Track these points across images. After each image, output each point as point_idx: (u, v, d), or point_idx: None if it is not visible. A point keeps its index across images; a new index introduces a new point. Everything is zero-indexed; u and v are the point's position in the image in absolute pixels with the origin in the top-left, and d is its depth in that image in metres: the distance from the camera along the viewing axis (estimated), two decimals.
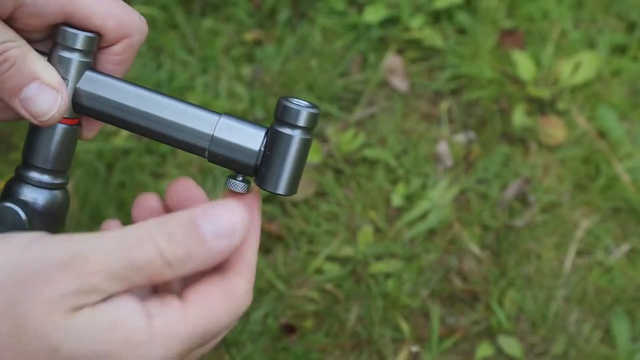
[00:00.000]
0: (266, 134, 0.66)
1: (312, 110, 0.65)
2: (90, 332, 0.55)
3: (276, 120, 0.66)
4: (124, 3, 0.66)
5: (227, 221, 0.58)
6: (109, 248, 0.55)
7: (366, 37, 1.60)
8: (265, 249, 1.40)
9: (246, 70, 1.56)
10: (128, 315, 0.56)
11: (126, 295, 0.57)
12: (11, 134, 1.46)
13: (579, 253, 1.42)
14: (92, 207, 1.40)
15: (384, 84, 1.57)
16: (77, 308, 0.55)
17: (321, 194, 1.45)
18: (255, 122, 0.67)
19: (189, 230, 0.57)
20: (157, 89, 1.52)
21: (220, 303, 0.60)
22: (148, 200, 0.69)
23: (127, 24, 0.66)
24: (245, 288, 0.61)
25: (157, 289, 0.67)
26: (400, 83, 1.56)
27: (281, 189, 0.66)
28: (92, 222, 1.40)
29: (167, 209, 0.68)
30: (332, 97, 1.54)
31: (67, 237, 0.56)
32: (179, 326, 0.57)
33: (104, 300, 0.56)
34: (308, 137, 0.66)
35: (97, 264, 0.55)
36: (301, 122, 0.65)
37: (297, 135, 0.65)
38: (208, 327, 0.59)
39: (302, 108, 0.65)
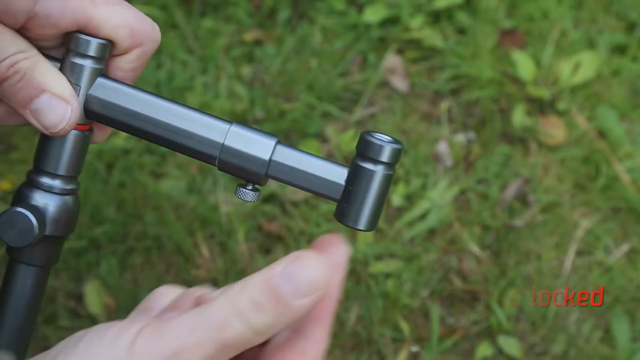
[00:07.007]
0: (276, 143, 0.66)
1: (395, 146, 0.63)
2: None
3: (358, 155, 0.64)
4: (137, 11, 0.65)
5: (306, 278, 0.57)
6: (201, 333, 0.57)
7: (366, 37, 1.60)
8: (265, 249, 1.40)
9: (246, 70, 1.56)
10: None
11: None
12: (11, 134, 1.46)
13: (579, 253, 1.42)
14: (92, 207, 1.40)
15: (384, 84, 1.57)
16: None
17: None
18: (266, 132, 0.66)
19: (271, 294, 0.57)
20: (156, 88, 1.52)
21: None
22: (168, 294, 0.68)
23: (140, 34, 0.66)
24: (318, 352, 0.62)
25: None
26: (400, 83, 1.56)
27: (362, 224, 0.65)
28: (92, 222, 1.40)
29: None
30: (332, 97, 1.54)
31: (162, 327, 0.58)
32: None
33: None
34: (390, 172, 0.65)
35: (196, 354, 0.57)
36: (384, 157, 0.64)
37: (379, 170, 0.64)
38: None
39: (385, 143, 0.63)
